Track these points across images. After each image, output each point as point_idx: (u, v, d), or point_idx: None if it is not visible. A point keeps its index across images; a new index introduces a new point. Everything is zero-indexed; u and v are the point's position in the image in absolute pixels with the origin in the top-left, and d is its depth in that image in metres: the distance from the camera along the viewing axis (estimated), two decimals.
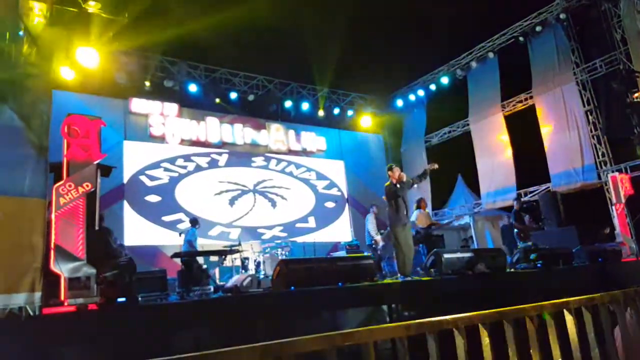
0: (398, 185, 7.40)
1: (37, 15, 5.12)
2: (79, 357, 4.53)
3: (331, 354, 1.77)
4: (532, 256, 8.38)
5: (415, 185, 8.17)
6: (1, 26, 5.06)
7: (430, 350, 2.02)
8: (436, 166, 8.25)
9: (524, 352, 2.49)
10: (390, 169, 7.66)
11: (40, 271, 4.79)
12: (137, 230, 11.93)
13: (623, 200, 11.02)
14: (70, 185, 6.01)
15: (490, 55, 13.76)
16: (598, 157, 12.03)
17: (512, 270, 8.51)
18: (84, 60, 9.00)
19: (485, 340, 2.16)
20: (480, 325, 2.21)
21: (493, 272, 7.54)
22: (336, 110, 15.61)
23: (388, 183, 7.58)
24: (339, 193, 15.47)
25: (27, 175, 4.79)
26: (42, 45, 5.18)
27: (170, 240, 11.63)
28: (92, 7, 5.67)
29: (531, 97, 13.31)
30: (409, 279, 7.36)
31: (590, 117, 12.16)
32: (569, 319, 2.57)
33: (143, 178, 12.52)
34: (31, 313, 4.74)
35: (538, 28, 12.63)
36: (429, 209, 15.41)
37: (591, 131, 12.10)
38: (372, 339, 1.87)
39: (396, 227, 7.45)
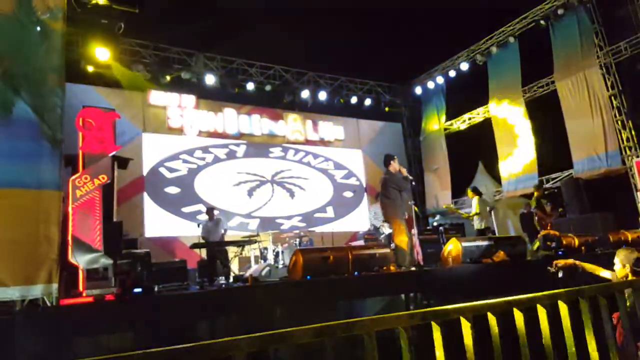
0: (403, 178, 7.39)
1: (51, 8, 5.14)
2: (97, 347, 4.60)
3: (330, 345, 1.74)
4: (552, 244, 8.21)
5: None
6: (14, 20, 5.12)
7: (436, 340, 1.96)
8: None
9: (535, 341, 2.41)
10: (393, 158, 7.56)
11: (57, 262, 4.87)
12: (157, 222, 12.10)
13: None
14: (86, 178, 6.08)
15: (511, 40, 13.41)
16: (622, 142, 11.64)
17: (532, 258, 8.34)
18: (99, 56, 9.07)
19: (494, 329, 2.09)
20: (489, 314, 2.14)
21: (513, 259, 7.41)
22: (354, 99, 15.46)
23: (386, 174, 7.50)
24: (358, 183, 15.39)
25: (41, 168, 4.86)
26: (56, 38, 5.22)
27: (190, 231, 11.75)
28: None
29: (553, 82, 12.94)
30: (426, 268, 7.31)
31: (614, 102, 11.75)
32: (583, 305, 2.47)
33: (162, 170, 12.66)
34: (48, 304, 4.84)
35: (560, 11, 12.23)
36: (448, 200, 15.30)
37: (615, 116, 11.70)
38: (374, 329, 1.82)
39: (398, 217, 7.36)
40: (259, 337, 1.58)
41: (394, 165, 7.51)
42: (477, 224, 10.31)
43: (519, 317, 2.22)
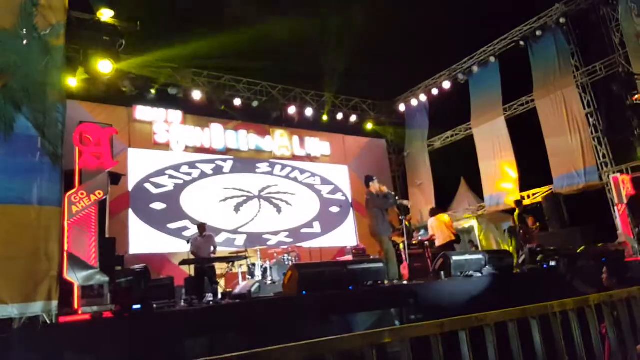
0: (383, 197, 7.72)
1: (52, 24, 5.16)
2: None
3: (369, 352, 1.82)
4: (538, 257, 8.45)
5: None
6: (15, 36, 5.11)
7: (463, 347, 2.07)
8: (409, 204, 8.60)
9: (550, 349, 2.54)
10: (371, 180, 7.90)
11: (57, 279, 4.82)
12: (142, 238, 11.94)
13: (625, 201, 11.09)
14: (82, 194, 6.07)
15: (492, 59, 13.87)
16: (599, 159, 12.10)
17: (519, 271, 8.55)
18: (102, 69, 9.01)
19: (514, 337, 2.21)
20: (508, 323, 2.26)
21: (501, 273, 7.60)
22: (339, 116, 15.68)
23: (368, 195, 7.82)
24: (344, 198, 15.53)
25: (42, 184, 4.82)
26: (57, 54, 5.23)
27: (176, 247, 11.66)
28: (105, 16, 5.71)
29: (532, 101, 13.41)
30: (417, 282, 7.45)
31: (591, 120, 12.25)
32: (590, 315, 2.61)
33: (148, 186, 12.55)
34: (48, 321, 4.77)
35: (538, 32, 12.75)
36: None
37: (592, 133, 12.19)
38: (409, 337, 1.91)
39: (384, 235, 7.63)
40: (308, 345, 1.66)
41: (374, 186, 7.86)
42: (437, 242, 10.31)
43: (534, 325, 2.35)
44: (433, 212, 10.65)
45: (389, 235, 7.81)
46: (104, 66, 9.41)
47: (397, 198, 8.13)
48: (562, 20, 12.25)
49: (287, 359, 1.61)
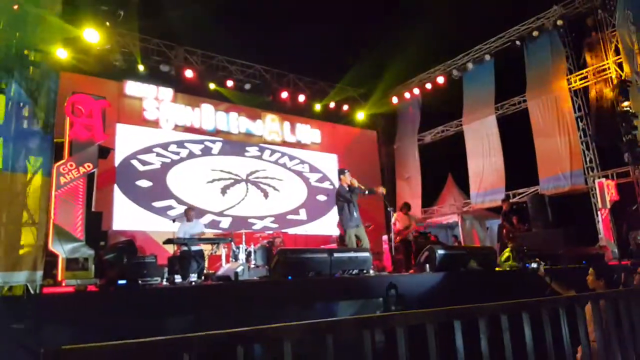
0: (350, 190, 8.04)
1: None
2: (80, 337, 4.52)
3: (366, 337, 1.84)
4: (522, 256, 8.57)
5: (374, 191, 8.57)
6: (10, 1, 4.98)
7: (457, 339, 2.09)
8: (384, 191, 8.74)
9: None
10: (343, 173, 8.32)
11: (43, 250, 4.76)
12: (127, 215, 11.82)
13: (608, 206, 11.32)
14: (71, 165, 5.98)
15: (487, 57, 13.92)
16: (586, 163, 12.29)
17: (501, 269, 8.68)
18: (88, 38, 8.79)
19: (507, 334, 2.24)
20: (502, 316, 2.30)
21: (484, 269, 7.71)
22: (332, 104, 15.63)
23: (339, 186, 8.20)
24: (331, 187, 15.53)
25: (33, 153, 4.75)
26: (52, 22, 5.11)
27: (160, 226, 11.57)
28: None
29: (525, 101, 13.51)
30: (400, 274, 7.53)
31: (580, 124, 12.40)
32: (581, 312, 2.67)
33: (135, 162, 12.39)
34: (32, 291, 4.72)
35: (535, 33, 12.80)
36: (418, 208, 15.69)
37: (581, 137, 12.34)
38: (406, 324, 1.93)
39: (350, 228, 7.97)
40: (309, 325, 1.66)
41: (345, 179, 8.21)
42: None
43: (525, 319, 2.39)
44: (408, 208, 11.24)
45: (356, 227, 8.10)
46: (90, 35, 9.15)
47: (366, 193, 8.38)
48: (559, 22, 12.33)
49: (292, 337, 1.61)
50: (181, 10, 11.20)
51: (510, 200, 12.64)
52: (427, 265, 7.38)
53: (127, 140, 12.35)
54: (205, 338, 1.54)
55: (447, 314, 2.06)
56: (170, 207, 12.37)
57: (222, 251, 10.17)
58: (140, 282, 5.51)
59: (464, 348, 2.15)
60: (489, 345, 2.29)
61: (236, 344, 1.57)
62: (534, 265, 7.50)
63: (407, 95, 16.06)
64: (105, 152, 6.96)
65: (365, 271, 6.93)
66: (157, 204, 12.35)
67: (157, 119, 12.92)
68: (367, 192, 8.33)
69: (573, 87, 12.51)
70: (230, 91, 13.89)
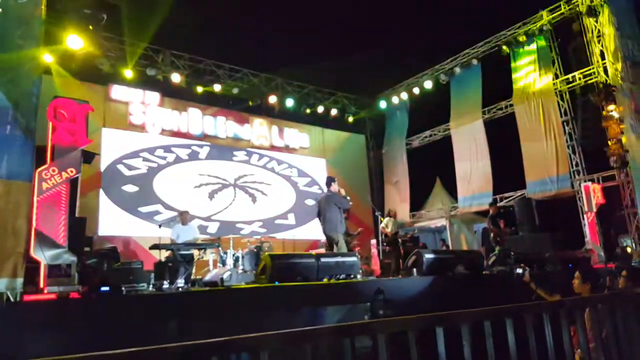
0: (344, 197, 8.28)
1: None
2: (60, 345, 4.42)
3: (347, 345, 1.80)
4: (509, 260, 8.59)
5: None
6: None
7: (439, 346, 2.06)
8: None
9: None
10: (334, 180, 8.51)
11: (23, 257, 4.67)
12: (112, 220, 11.67)
13: (594, 209, 11.41)
14: (54, 170, 5.89)
15: (474, 62, 14.00)
16: (572, 167, 12.37)
17: (488, 272, 8.69)
18: (72, 44, 8.69)
19: (490, 340, 2.22)
20: (485, 322, 2.27)
21: (472, 273, 7.71)
22: (320, 109, 15.61)
23: (329, 192, 8.36)
24: (320, 191, 15.49)
25: (13, 157, 4.66)
26: (35, 25, 5.03)
27: (146, 231, 11.45)
28: None
29: (511, 105, 13.61)
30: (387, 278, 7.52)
31: (566, 128, 12.50)
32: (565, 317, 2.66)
33: (121, 167, 12.26)
34: (12, 299, 4.62)
35: (522, 38, 12.91)
36: (406, 213, 15.73)
37: (567, 141, 12.44)
38: (387, 331, 1.90)
39: (341, 234, 8.14)
40: (284, 334, 1.62)
41: (334, 186, 8.35)
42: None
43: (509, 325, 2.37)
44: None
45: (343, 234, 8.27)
46: (74, 41, 9.01)
47: (350, 204, 8.66)
48: (545, 27, 12.45)
49: (264, 347, 1.57)
50: (168, 14, 11.13)
51: (498, 204, 12.71)
52: (415, 270, 7.36)
53: (113, 145, 12.22)
54: (174, 349, 1.49)
55: (429, 320, 2.04)
56: (157, 212, 12.25)
57: (210, 256, 10.09)
58: (123, 288, 5.41)
59: (446, 355, 2.12)
60: (472, 351, 2.26)
61: (210, 355, 1.53)
62: (519, 270, 7.55)
63: (395, 99, 16.10)
64: (90, 157, 6.85)
65: (352, 276, 6.90)
66: (144, 209, 12.22)
67: (144, 123, 12.81)
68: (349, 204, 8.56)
69: (560, 90, 12.61)
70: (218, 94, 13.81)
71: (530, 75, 13.01)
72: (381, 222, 11.29)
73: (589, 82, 11.80)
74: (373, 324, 1.88)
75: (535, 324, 2.72)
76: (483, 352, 2.40)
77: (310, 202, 14.99)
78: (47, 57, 10.52)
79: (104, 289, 5.26)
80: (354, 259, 7.13)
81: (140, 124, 12.77)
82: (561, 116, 12.51)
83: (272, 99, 14.47)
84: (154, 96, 13.02)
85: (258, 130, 14.73)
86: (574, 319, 2.92)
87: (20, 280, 4.53)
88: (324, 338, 1.72)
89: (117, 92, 12.55)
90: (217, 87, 13.63)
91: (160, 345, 1.51)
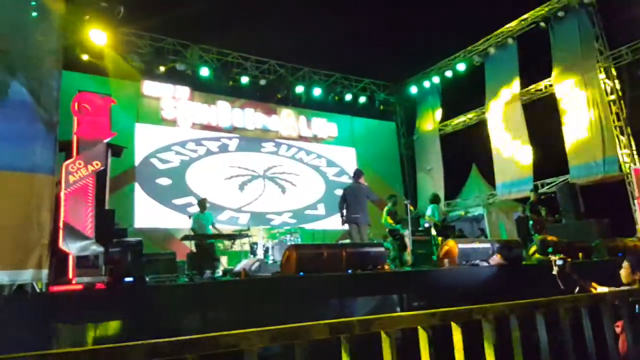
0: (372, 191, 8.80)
1: None
2: (85, 335, 4.45)
3: (347, 340, 1.63)
4: (549, 249, 8.15)
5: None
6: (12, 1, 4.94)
7: (456, 342, 1.86)
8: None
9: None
10: (363, 174, 8.84)
11: (48, 248, 4.72)
12: (147, 213, 11.94)
13: None
14: (79, 163, 5.91)
15: (510, 41, 13.37)
16: (620, 149, 11.58)
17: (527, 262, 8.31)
18: (95, 39, 8.79)
19: (516, 333, 1.99)
20: (510, 317, 2.05)
21: (509, 263, 7.36)
22: (348, 96, 15.35)
23: (361, 184, 8.65)
24: (350, 181, 15.27)
25: (36, 151, 4.70)
26: (54, 20, 5.04)
27: (180, 223, 11.57)
28: None
29: (551, 85, 12.91)
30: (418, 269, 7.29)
31: (613, 107, 11.72)
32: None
33: (154, 161, 12.50)
34: (37, 290, 4.69)
35: (561, 13, 12.16)
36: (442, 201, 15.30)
37: (614, 122, 11.64)
38: (393, 327, 1.71)
39: (367, 224, 8.32)
40: (269, 331, 1.46)
41: (363, 179, 8.68)
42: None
43: (540, 319, 2.13)
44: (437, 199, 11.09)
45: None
46: (97, 36, 9.03)
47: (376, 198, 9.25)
48: (587, 0, 11.66)
49: (248, 344, 1.42)
50: (196, 8, 11.12)
51: (539, 191, 12.13)
52: (447, 261, 7.09)
53: (146, 140, 12.49)
54: (152, 346, 1.36)
55: (442, 316, 1.83)
56: (190, 204, 12.38)
57: (241, 247, 10.15)
58: (147, 279, 5.42)
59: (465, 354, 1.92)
60: (496, 349, 2.04)
61: (189, 352, 1.39)
62: (560, 262, 7.13)
63: (426, 84, 15.62)
64: (119, 151, 6.90)
65: (380, 266, 6.70)
66: (177, 201, 12.41)
67: (175, 117, 13.04)
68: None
69: (604, 67, 11.82)
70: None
71: (571, 52, 12.25)
72: (411, 212, 10.90)
73: (638, 57, 11.00)
74: (376, 320, 1.70)
75: (571, 318, 2.48)
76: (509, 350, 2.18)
77: (340, 192, 14.81)
78: (81, 56, 10.76)
79: (127, 279, 5.30)
80: (381, 249, 6.92)
81: (172, 118, 12.99)
82: (607, 95, 11.74)
83: (299, 89, 14.33)
84: (184, 91, 13.22)
85: (286, 121, 14.66)
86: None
87: (45, 272, 4.58)
88: (317, 335, 1.55)
89: (149, 87, 12.82)
90: (244, 79, 13.67)
91: (134, 342, 1.39)
